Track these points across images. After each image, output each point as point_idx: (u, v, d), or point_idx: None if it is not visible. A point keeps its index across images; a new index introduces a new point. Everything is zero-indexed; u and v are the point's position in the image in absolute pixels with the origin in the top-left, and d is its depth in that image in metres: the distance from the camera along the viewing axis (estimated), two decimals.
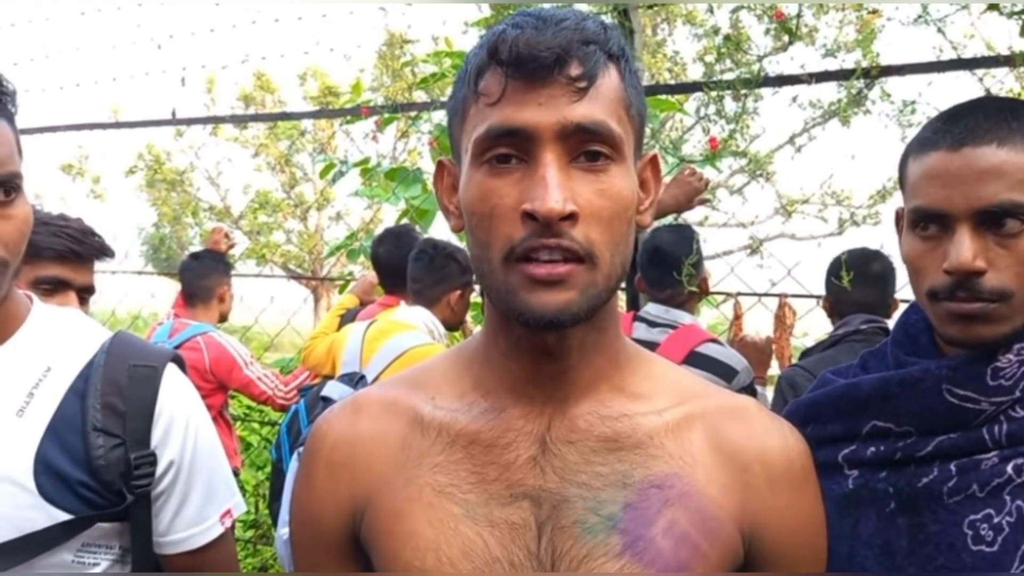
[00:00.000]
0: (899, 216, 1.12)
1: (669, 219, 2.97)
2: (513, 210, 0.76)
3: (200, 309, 3.33)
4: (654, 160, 0.88)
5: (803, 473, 0.88)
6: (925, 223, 1.01)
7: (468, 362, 0.91)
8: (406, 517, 0.84)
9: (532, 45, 0.75)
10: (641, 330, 2.50)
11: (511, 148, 0.77)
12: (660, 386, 0.89)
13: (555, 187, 0.74)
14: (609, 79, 0.79)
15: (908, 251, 1.04)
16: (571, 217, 0.75)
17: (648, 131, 3.21)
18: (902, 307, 2.58)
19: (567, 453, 0.83)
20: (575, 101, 0.76)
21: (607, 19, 2.87)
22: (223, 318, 3.44)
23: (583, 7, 3.00)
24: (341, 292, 4.88)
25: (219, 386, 3.18)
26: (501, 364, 0.87)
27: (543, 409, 0.85)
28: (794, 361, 2.75)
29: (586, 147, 0.77)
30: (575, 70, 0.76)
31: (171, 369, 1.15)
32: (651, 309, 2.56)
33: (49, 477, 1.02)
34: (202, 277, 3.36)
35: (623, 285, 3.09)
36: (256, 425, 5.12)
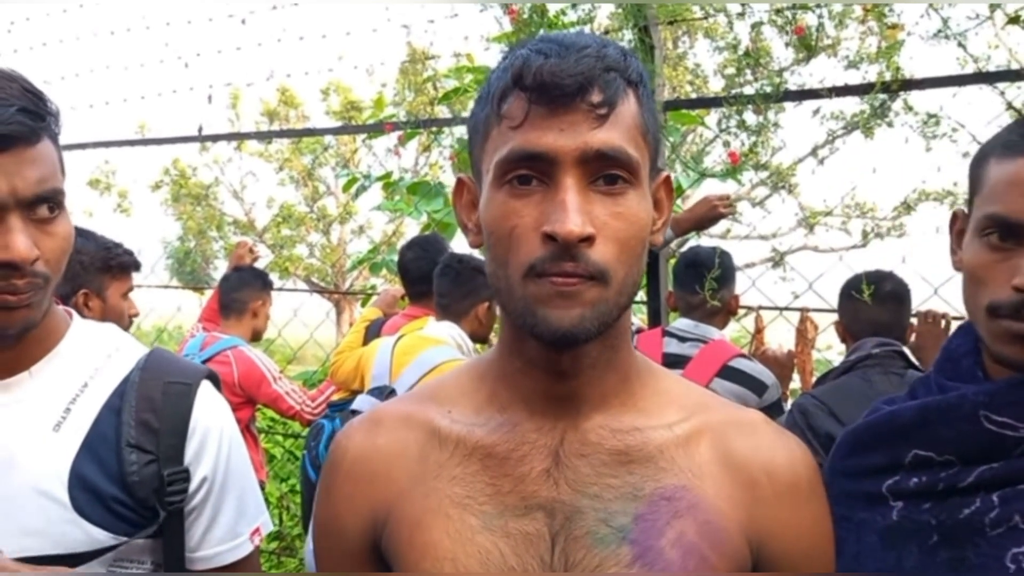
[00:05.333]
0: (958, 218, 1.03)
1: (692, 237, 3.00)
2: (533, 231, 0.79)
3: (232, 322, 3.35)
4: (667, 181, 0.90)
5: (809, 486, 0.90)
6: (1000, 232, 0.93)
7: (483, 376, 0.94)
8: (425, 528, 0.86)
9: (555, 73, 0.77)
10: (672, 345, 2.53)
11: (532, 171, 0.79)
12: (669, 400, 0.91)
13: (575, 210, 0.77)
14: (628, 106, 0.81)
15: (972, 259, 0.96)
16: (589, 239, 0.77)
17: (669, 144, 3.23)
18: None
19: (580, 466, 0.85)
20: (595, 128, 0.78)
21: (628, 35, 2.90)
22: (256, 336, 3.44)
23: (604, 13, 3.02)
24: (363, 305, 4.91)
25: (247, 400, 3.21)
26: (516, 380, 0.89)
27: (556, 423, 0.87)
28: (816, 375, 2.74)
29: (604, 171, 0.79)
30: (596, 97, 0.78)
31: (205, 386, 1.16)
32: (680, 324, 2.60)
33: (83, 492, 1.03)
34: (236, 290, 3.38)
35: (644, 299, 3.11)
36: (280, 437, 5.16)
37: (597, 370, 0.87)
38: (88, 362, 1.11)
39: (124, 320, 2.25)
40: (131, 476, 1.06)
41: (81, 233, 2.15)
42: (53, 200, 0.99)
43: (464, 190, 0.92)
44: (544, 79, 0.77)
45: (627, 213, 0.80)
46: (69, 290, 2.11)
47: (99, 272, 2.18)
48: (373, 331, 3.14)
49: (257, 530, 1.19)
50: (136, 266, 2.30)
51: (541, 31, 2.87)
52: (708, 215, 2.69)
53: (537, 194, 0.80)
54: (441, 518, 0.85)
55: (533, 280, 0.79)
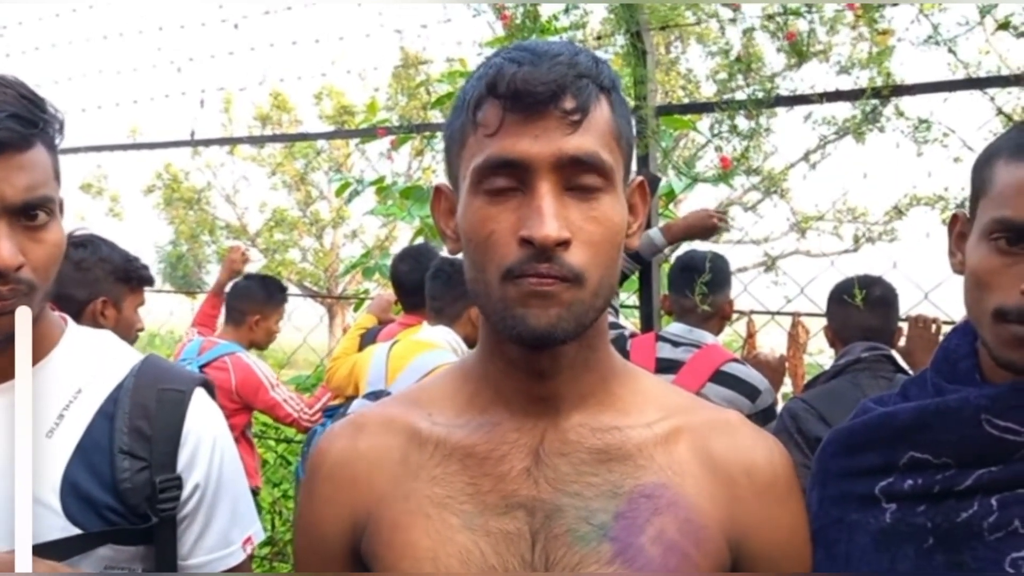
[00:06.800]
0: (958, 220, 1.02)
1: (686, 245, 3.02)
2: (510, 235, 0.80)
3: (229, 328, 3.36)
4: (642, 185, 0.92)
5: (787, 485, 0.91)
6: (1009, 237, 0.91)
7: (464, 380, 0.95)
8: (404, 529, 0.87)
9: (528, 81, 0.79)
10: (666, 350, 2.53)
11: (508, 177, 0.81)
12: (648, 400, 0.92)
13: (551, 216, 0.78)
14: (601, 111, 0.82)
15: (979, 263, 0.95)
16: (565, 243, 0.79)
17: (661, 149, 3.24)
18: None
19: (560, 464, 0.86)
20: (569, 134, 0.80)
21: (621, 39, 2.91)
22: (254, 347, 3.40)
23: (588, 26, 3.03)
24: (356, 310, 4.90)
25: (244, 406, 3.20)
26: (496, 382, 0.91)
27: (536, 423, 0.88)
28: (808, 379, 2.75)
29: (579, 176, 0.81)
30: (569, 104, 0.80)
31: (199, 394, 1.16)
32: (673, 329, 2.60)
33: (75, 499, 1.03)
34: (237, 299, 3.39)
35: (637, 303, 3.12)
36: (272, 442, 5.14)
37: (575, 370, 0.88)
38: (82, 368, 1.11)
39: (132, 333, 2.26)
40: (123, 483, 1.06)
41: (105, 243, 2.21)
42: (43, 207, 0.99)
43: (442, 198, 0.93)
44: (517, 87, 0.79)
45: (602, 217, 0.81)
46: (87, 296, 2.11)
47: (119, 282, 2.19)
48: (369, 339, 3.13)
49: (249, 539, 1.19)
50: (151, 281, 2.34)
51: (533, 36, 2.88)
52: (701, 223, 2.70)
53: (513, 200, 0.81)
54: (421, 518, 0.86)
55: (511, 282, 0.80)
